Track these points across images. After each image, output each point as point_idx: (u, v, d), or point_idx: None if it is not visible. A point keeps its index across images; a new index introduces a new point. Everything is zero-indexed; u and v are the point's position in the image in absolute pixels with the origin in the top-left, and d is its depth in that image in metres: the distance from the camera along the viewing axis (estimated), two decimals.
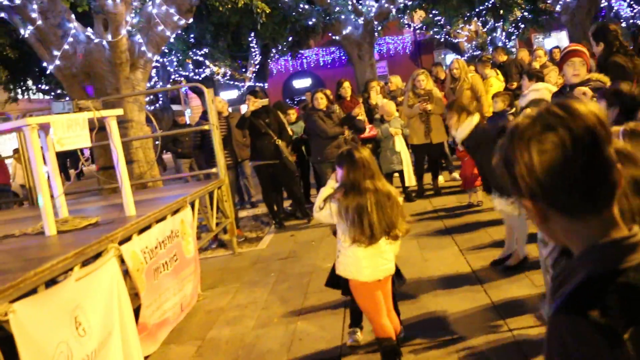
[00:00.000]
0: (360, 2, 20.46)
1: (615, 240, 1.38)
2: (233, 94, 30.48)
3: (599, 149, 1.35)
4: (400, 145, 10.51)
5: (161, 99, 23.42)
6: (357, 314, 5.07)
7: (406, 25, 30.68)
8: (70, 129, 5.63)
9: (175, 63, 22.53)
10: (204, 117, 9.80)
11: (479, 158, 6.81)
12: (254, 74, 26.72)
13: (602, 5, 22.62)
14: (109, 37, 10.72)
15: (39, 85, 24.99)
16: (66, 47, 10.92)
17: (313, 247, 8.70)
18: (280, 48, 24.66)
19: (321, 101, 10.19)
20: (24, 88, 25.62)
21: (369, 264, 4.45)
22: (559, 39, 30.24)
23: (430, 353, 4.83)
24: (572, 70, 5.87)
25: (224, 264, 8.64)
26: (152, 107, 22.87)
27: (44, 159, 5.67)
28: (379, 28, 21.43)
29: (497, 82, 11.50)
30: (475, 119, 6.69)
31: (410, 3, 21.68)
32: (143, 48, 11.21)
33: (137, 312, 5.12)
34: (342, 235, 4.45)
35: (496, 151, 1.46)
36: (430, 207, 10.13)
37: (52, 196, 5.79)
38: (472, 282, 6.29)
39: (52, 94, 24.41)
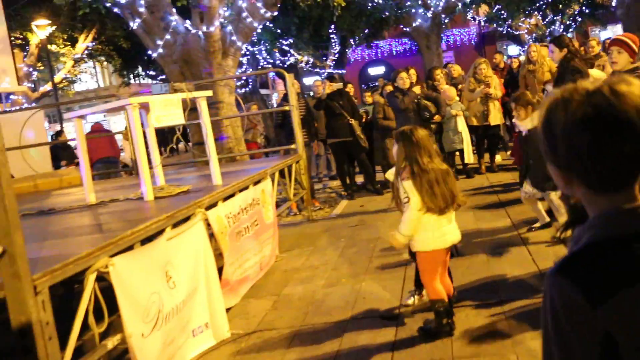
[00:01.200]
0: None
1: (625, 209, 1.30)
2: (315, 79, 30.51)
3: (627, 134, 1.25)
4: (461, 125, 10.33)
5: (250, 83, 23.60)
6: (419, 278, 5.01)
7: (471, 19, 30.01)
8: (167, 108, 5.73)
9: (263, 51, 22.68)
10: (285, 99, 9.82)
11: (527, 148, 6.65)
12: (334, 62, 26.70)
13: None
14: (204, 28, 10.87)
15: (147, 72, 25.62)
16: (168, 37, 11.11)
17: (380, 217, 8.65)
18: (356, 39, 24.56)
19: (405, 80, 9.84)
20: (135, 74, 26.33)
21: (437, 234, 4.37)
22: (615, 32, 29.09)
23: (480, 312, 4.76)
24: (610, 59, 5.69)
25: (300, 229, 8.69)
26: (243, 90, 23.08)
27: (145, 134, 5.79)
28: (446, 21, 21.05)
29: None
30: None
31: None
32: (233, 38, 11.30)
33: (221, 269, 5.20)
34: (412, 210, 4.36)
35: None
36: (487, 183, 9.94)
37: (151, 167, 5.92)
38: (521, 252, 6.16)
39: (158, 78, 24.98)
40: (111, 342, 3.64)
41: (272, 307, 5.60)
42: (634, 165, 1.29)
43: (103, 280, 3.63)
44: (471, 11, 25.25)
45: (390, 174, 4.60)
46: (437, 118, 9.79)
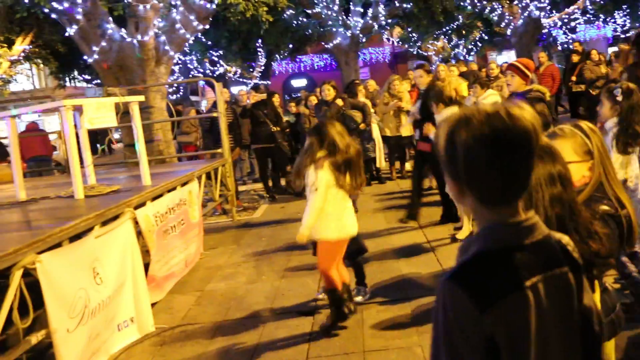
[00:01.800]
0: (348, 17, 20.27)
1: (509, 222, 1.34)
2: (242, 88, 30.29)
3: (519, 153, 1.30)
4: (375, 134, 10.50)
5: (182, 90, 23.20)
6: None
7: (386, 39, 30.44)
8: (99, 111, 5.51)
9: (194, 61, 22.34)
10: (215, 106, 9.66)
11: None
12: (260, 73, 26.59)
13: (543, 31, 22.70)
14: (139, 37, 10.59)
15: (83, 75, 24.84)
16: (103, 44, 10.76)
17: (299, 218, 8.58)
18: (282, 53, 24.51)
19: (327, 92, 9.70)
20: (70, 77, 25.45)
21: (339, 224, 4.32)
22: (509, 57, 30.19)
23: (389, 309, 4.77)
24: (506, 81, 6.00)
25: (224, 229, 8.55)
26: (174, 97, 22.67)
27: (77, 135, 5.55)
28: (363, 40, 21.23)
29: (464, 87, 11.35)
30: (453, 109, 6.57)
31: (390, 21, 21.50)
32: (167, 47, 11.05)
33: (147, 266, 5.03)
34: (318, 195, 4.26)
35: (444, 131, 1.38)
36: (398, 189, 10.04)
37: (82, 166, 5.68)
38: (427, 252, 6.23)
39: (93, 82, 24.27)
40: (35, 337, 3.45)
41: (196, 302, 5.46)
42: (521, 183, 1.34)
43: (30, 276, 3.44)
44: (386, 32, 25.60)
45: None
46: (362, 126, 9.79)
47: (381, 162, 10.85)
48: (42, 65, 27.06)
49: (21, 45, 21.18)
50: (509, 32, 20.45)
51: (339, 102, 9.43)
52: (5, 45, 21.62)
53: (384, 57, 38.38)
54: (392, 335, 4.31)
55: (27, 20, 14.11)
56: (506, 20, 20.06)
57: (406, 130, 10.63)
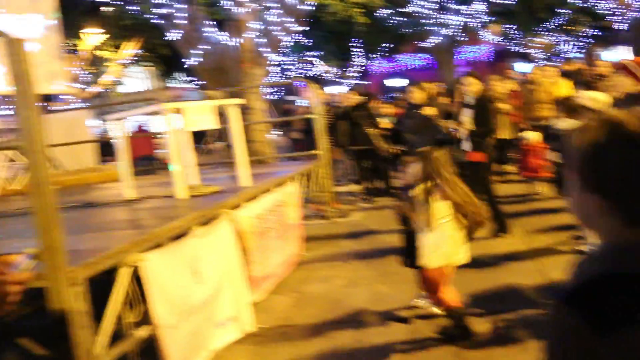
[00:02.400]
0: (445, 15, 19.96)
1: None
2: (339, 89, 30.47)
3: None
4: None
5: (279, 91, 23.62)
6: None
7: (485, 37, 29.71)
8: (199, 113, 5.69)
9: (292, 62, 22.69)
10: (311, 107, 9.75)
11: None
12: (357, 74, 26.66)
13: None
14: (237, 40, 10.87)
15: (186, 77, 25.81)
16: (203, 47, 11.12)
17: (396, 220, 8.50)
18: (378, 52, 24.48)
19: (414, 95, 9.54)
20: (175, 79, 26.52)
21: (452, 251, 4.23)
22: (618, 54, 28.72)
23: (488, 320, 4.63)
24: (615, 82, 5.52)
25: (322, 230, 8.58)
26: (272, 98, 23.10)
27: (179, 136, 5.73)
28: (461, 38, 20.86)
29: (567, 87, 10.88)
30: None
31: (489, 18, 20.99)
32: (264, 49, 11.28)
33: (247, 266, 5.12)
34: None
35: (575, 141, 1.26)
36: (501, 193, 9.74)
37: (185, 166, 5.87)
38: (525, 260, 6.03)
39: (197, 83, 25.09)
40: (141, 332, 3.58)
41: (294, 303, 5.52)
42: None
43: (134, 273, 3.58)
44: (484, 30, 25.00)
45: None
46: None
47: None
48: (149, 68, 28.34)
49: (130, 49, 22.31)
50: (619, 25, 19.39)
51: (430, 110, 9.17)
52: (116, 50, 22.83)
53: (483, 55, 37.45)
54: (493, 348, 4.19)
55: (134, 26, 14.81)
56: (616, 13, 19.08)
57: (505, 132, 10.36)
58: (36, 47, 9.23)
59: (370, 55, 25.84)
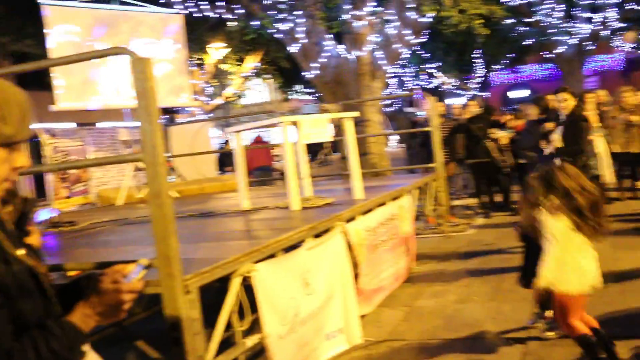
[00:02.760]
0: (572, 24, 19.10)
1: None
2: (458, 101, 29.98)
3: None
4: (600, 148, 9.66)
5: (399, 103, 23.56)
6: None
7: (617, 46, 28.16)
8: (315, 126, 5.78)
9: (410, 74, 22.58)
10: (428, 120, 9.65)
11: None
12: (477, 85, 26.13)
13: None
14: (355, 53, 10.95)
15: (304, 89, 26.31)
16: (322, 60, 11.30)
17: (515, 237, 8.23)
18: (500, 63, 23.88)
19: (529, 112, 9.35)
20: (294, 91, 27.12)
21: (579, 274, 3.85)
22: None
23: (618, 345, 4.36)
24: None
25: (436, 244, 8.46)
26: (389, 110, 23.06)
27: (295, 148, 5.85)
28: (591, 47, 19.89)
29: None
30: None
31: (622, 25, 19.87)
32: (382, 62, 11.30)
33: (356, 278, 5.13)
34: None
35: None
36: (628, 210, 9.22)
37: (300, 178, 5.98)
38: None
39: (314, 95, 25.56)
40: (251, 341, 3.67)
41: (404, 318, 5.46)
42: None
43: (246, 280, 3.67)
44: (616, 39, 23.67)
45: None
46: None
47: (610, 177, 9.88)
48: (270, 81, 29.18)
49: (251, 63, 23.11)
50: None
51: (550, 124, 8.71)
52: (239, 63, 23.71)
53: (615, 64, 35.52)
54: None
55: (256, 40, 15.31)
56: None
57: (636, 146, 9.77)
58: (163, 64, 9.74)
59: (491, 66, 25.25)
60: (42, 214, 5.50)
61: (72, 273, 3.43)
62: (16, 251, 1.64)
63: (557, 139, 6.87)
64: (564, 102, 6.81)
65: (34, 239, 2.12)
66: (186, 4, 12.96)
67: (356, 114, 6.52)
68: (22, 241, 1.74)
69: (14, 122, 1.61)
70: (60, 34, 9.14)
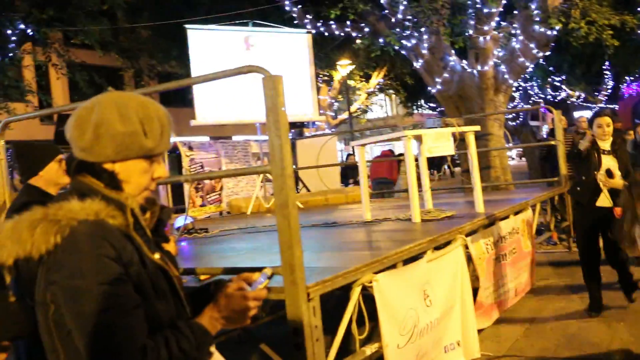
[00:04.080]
0: None
1: None
2: (585, 114, 28.51)
3: None
4: None
5: (521, 116, 22.75)
6: None
7: None
8: (437, 140, 5.68)
9: (535, 87, 21.76)
10: (551, 133, 9.24)
11: None
12: (606, 97, 24.74)
13: None
14: (479, 67, 10.70)
15: (428, 104, 26.08)
16: (445, 75, 11.13)
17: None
18: (631, 74, 22.48)
19: None
20: (417, 105, 26.93)
21: None
22: None
23: None
24: None
25: (559, 259, 8.06)
26: (514, 124, 22.33)
27: (417, 160, 5.79)
28: None
29: None
30: None
31: None
32: (506, 76, 10.96)
33: (475, 292, 4.99)
34: None
35: None
36: None
37: (421, 191, 5.91)
38: None
39: (437, 109, 25.31)
40: (370, 349, 3.65)
41: (524, 334, 5.23)
42: None
43: (365, 290, 3.66)
44: None
45: None
46: None
47: None
48: (393, 96, 29.17)
49: (376, 78, 23.25)
50: None
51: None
52: (364, 79, 23.90)
53: None
54: None
55: (381, 57, 15.36)
56: None
57: None
58: (293, 81, 9.96)
59: (621, 77, 23.81)
60: (178, 221, 5.76)
61: (203, 277, 3.56)
62: (153, 255, 1.72)
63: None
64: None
65: (170, 246, 2.22)
66: (315, 24, 13.25)
67: (478, 127, 6.37)
68: (159, 246, 1.83)
69: (154, 136, 1.70)
70: (201, 54, 9.59)
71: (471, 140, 6.00)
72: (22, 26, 12.21)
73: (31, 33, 12.57)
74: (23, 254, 1.56)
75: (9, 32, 12.04)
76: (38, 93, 16.37)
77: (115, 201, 1.67)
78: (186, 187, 9.34)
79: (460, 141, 6.00)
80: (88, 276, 1.51)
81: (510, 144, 11.88)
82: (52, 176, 3.55)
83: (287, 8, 13.54)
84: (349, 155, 19.43)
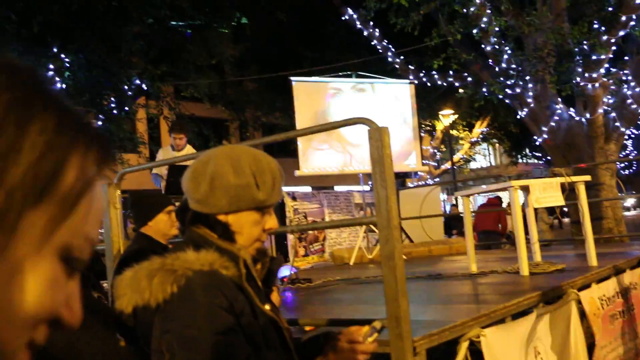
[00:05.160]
0: None
1: None
2: None
3: None
4: None
5: (635, 165, 21.63)
6: None
7: None
8: (545, 190, 5.49)
9: None
10: None
11: None
12: None
13: None
14: (587, 115, 10.32)
15: (533, 153, 25.41)
16: (552, 124, 10.80)
17: None
18: None
19: None
20: (522, 154, 26.28)
21: None
22: None
23: None
24: None
25: None
26: (627, 172, 21.24)
27: (524, 212, 5.61)
28: None
29: None
30: None
31: None
32: (617, 123, 10.50)
33: (590, 349, 4.68)
34: None
35: None
36: None
37: (528, 242, 5.70)
38: None
39: (544, 159, 24.57)
40: None
41: None
42: None
43: (472, 345, 3.52)
44: None
45: None
46: None
47: None
48: (497, 145, 28.60)
49: (479, 128, 22.92)
50: None
51: None
52: (467, 128, 23.64)
53: None
54: None
55: (484, 106, 15.18)
56: None
57: None
58: (397, 131, 9.99)
59: None
60: (283, 271, 5.81)
61: (308, 328, 3.55)
62: (264, 306, 1.73)
63: None
64: None
65: (274, 296, 2.24)
66: (418, 74, 13.29)
67: (589, 177, 6.10)
68: (269, 297, 1.84)
69: (266, 189, 1.74)
70: (305, 105, 9.83)
71: (581, 190, 5.76)
72: (137, 81, 12.98)
73: (145, 88, 13.34)
74: (142, 302, 1.61)
75: (126, 87, 12.82)
76: (149, 144, 17.26)
77: (228, 252, 1.70)
78: (290, 237, 9.46)
79: (569, 191, 5.77)
80: (202, 326, 1.54)
81: (624, 194, 11.25)
82: (161, 227, 3.67)
83: (389, 59, 13.69)
84: (452, 205, 19.13)
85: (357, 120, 3.22)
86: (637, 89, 10.24)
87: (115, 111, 12.81)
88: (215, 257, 1.66)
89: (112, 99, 12.76)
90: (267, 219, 1.80)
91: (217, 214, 1.73)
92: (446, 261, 8.08)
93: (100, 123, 12.00)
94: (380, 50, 13.85)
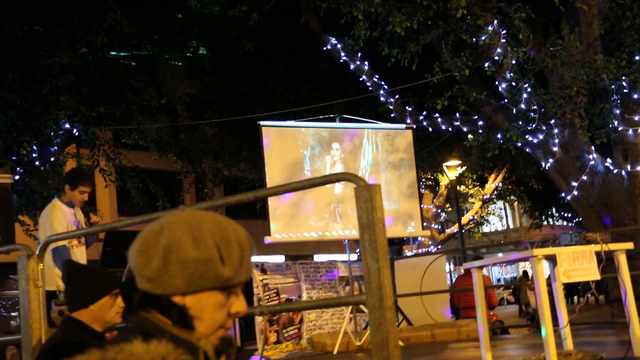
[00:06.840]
0: None
1: None
2: None
3: None
4: None
5: None
6: None
7: None
8: (577, 261, 5.56)
9: None
10: None
11: None
12: None
13: None
14: (628, 167, 10.51)
15: (561, 213, 25.61)
16: (584, 177, 10.97)
17: None
18: None
19: None
20: (547, 215, 26.47)
21: None
22: None
23: None
24: None
25: None
26: None
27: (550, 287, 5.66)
28: None
29: None
30: None
31: None
32: None
33: None
34: None
35: None
36: None
37: (557, 326, 5.73)
38: None
39: (574, 221, 24.77)
40: None
41: None
42: None
43: None
44: None
45: None
46: None
47: None
48: (515, 204, 28.85)
49: (493, 182, 23.09)
50: None
51: None
52: (478, 183, 23.80)
53: None
54: None
55: (499, 156, 15.34)
56: None
57: None
58: (391, 187, 10.08)
59: None
60: None
61: None
62: None
63: None
64: None
65: None
66: (417, 117, 13.47)
67: (631, 245, 6.19)
68: None
69: (233, 263, 1.75)
70: (277, 155, 9.88)
71: (622, 261, 5.84)
72: (67, 126, 12.85)
73: (77, 133, 13.20)
74: None
75: (52, 133, 12.65)
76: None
77: (185, 343, 1.71)
78: (258, 320, 9.39)
79: (606, 262, 5.84)
80: None
81: None
82: (103, 312, 3.62)
83: (382, 98, 13.86)
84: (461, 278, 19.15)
85: (341, 175, 3.27)
86: None
87: (37, 162, 12.71)
88: (168, 349, 1.67)
89: (34, 147, 12.68)
90: (233, 300, 1.80)
91: (172, 295, 1.74)
92: (453, 349, 8.08)
93: (17, 178, 11.87)
94: (371, 88, 14.02)
